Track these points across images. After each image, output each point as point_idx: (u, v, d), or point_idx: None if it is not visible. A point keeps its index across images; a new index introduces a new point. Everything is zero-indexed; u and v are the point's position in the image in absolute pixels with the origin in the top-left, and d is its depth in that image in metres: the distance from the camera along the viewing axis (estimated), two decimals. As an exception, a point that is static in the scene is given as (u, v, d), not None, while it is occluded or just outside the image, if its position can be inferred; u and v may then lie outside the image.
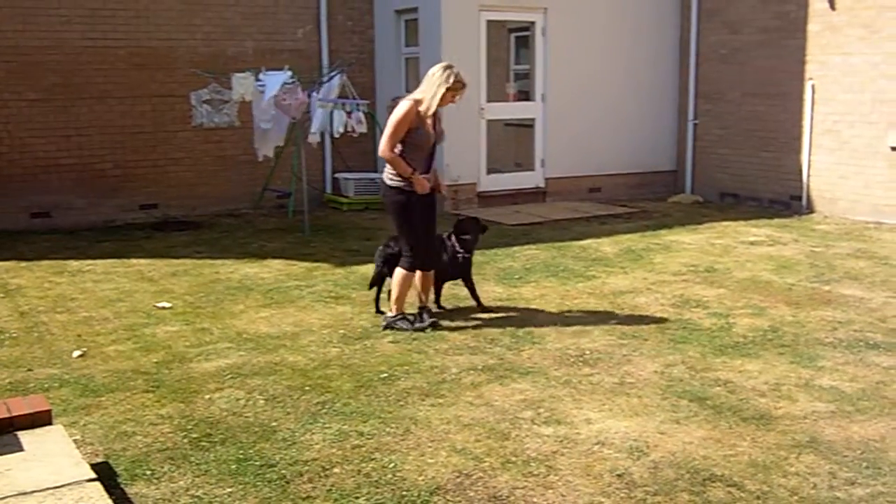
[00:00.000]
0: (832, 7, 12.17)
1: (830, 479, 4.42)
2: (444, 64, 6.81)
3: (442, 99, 6.68)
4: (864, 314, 7.36)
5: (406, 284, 6.98)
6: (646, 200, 13.66)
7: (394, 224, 7.04)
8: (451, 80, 6.65)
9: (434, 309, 7.40)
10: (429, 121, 6.76)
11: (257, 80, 10.96)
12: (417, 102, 6.71)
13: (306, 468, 4.57)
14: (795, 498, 4.22)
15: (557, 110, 13.19)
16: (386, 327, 6.95)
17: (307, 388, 5.71)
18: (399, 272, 6.96)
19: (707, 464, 4.57)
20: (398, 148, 6.75)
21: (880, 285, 8.33)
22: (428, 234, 7.03)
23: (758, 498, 4.22)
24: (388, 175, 6.91)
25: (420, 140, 6.76)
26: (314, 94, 11.21)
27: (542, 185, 13.41)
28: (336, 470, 4.55)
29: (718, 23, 13.69)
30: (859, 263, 9.26)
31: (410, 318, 7.00)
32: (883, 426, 5.08)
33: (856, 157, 12.12)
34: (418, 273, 7.02)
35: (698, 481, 4.38)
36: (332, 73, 11.83)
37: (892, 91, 11.62)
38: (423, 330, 6.88)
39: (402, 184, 6.80)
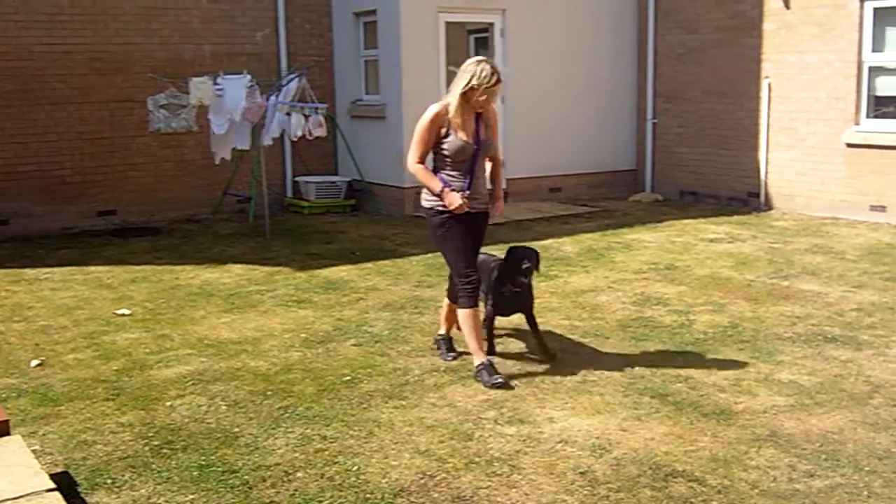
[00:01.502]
0: (787, 6, 12.33)
1: (790, 471, 4.47)
2: (476, 58, 5.76)
3: (469, 100, 5.67)
4: (821, 308, 7.45)
5: (474, 323, 5.90)
6: (607, 200, 13.74)
7: (440, 252, 6.14)
8: (479, 78, 5.60)
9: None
10: (467, 126, 5.74)
11: (215, 84, 10.89)
12: (448, 106, 5.74)
13: (269, 473, 4.54)
14: (756, 491, 4.27)
15: (517, 111, 13.23)
16: (474, 377, 5.87)
17: (269, 392, 5.68)
18: (462, 313, 5.91)
19: (669, 459, 4.60)
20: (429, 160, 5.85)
21: (837, 280, 8.44)
22: (469, 259, 5.93)
23: (719, 492, 4.26)
24: (423, 194, 5.95)
25: (452, 150, 5.72)
26: (272, 97, 11.16)
27: (503, 185, 13.40)
28: (299, 474, 4.53)
29: (675, 23, 13.81)
30: (817, 259, 9.38)
31: (491, 367, 5.86)
32: (841, 418, 5.15)
33: (812, 153, 12.28)
34: (445, 302, 6.32)
35: (660, 477, 4.42)
36: (291, 77, 11.78)
37: (846, 88, 11.78)
38: (500, 383, 5.71)
39: (436, 203, 5.82)
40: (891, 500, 4.17)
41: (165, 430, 5.09)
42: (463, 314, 5.90)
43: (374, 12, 12.74)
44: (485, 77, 5.60)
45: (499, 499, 4.24)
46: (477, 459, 4.65)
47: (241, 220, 12.26)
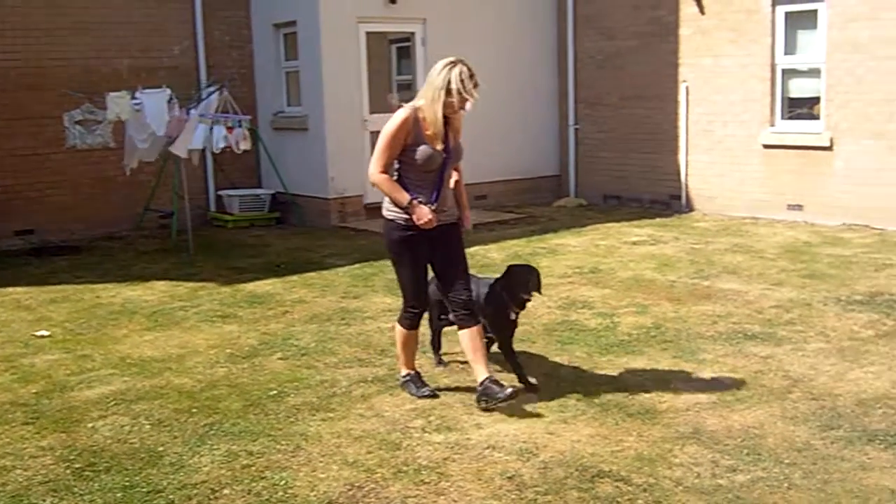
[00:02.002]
0: (702, 11, 12.58)
1: (713, 467, 4.55)
2: (447, 60, 5.33)
3: (447, 106, 5.28)
4: (741, 307, 7.60)
5: (405, 340, 5.72)
6: (532, 205, 13.84)
7: (393, 268, 5.68)
8: (457, 82, 5.22)
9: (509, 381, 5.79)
10: (437, 133, 5.34)
11: (133, 99, 10.72)
12: (417, 111, 5.34)
13: (195, 492, 4.47)
14: (680, 488, 4.33)
15: (441, 120, 13.23)
16: (401, 385, 5.80)
17: (194, 410, 5.59)
18: (398, 329, 5.74)
19: (595, 460, 4.64)
20: (394, 171, 5.44)
21: (757, 278, 8.62)
22: (445, 279, 5.56)
23: (644, 490, 4.31)
24: (385, 205, 5.53)
25: (422, 160, 5.32)
26: (192, 110, 11.02)
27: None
28: (226, 491, 4.46)
29: (594, 29, 13.99)
30: (737, 258, 9.57)
31: (417, 378, 5.78)
32: (762, 413, 5.25)
33: (730, 155, 12.54)
34: (467, 333, 5.47)
35: (587, 478, 4.45)
36: (211, 90, 11.66)
37: (761, 91, 12.06)
38: (430, 395, 5.63)
39: (399, 215, 5.41)
40: (810, 491, 4.27)
41: (87, 452, 4.98)
42: (398, 330, 5.74)
43: (293, 23, 12.68)
44: (463, 80, 5.24)
45: (427, 507, 4.24)
46: (405, 468, 4.64)
47: (163, 236, 12.07)
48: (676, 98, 13.01)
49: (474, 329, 5.45)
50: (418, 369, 5.87)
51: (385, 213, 5.54)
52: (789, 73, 12.01)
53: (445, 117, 5.35)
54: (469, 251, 10.03)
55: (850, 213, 11.32)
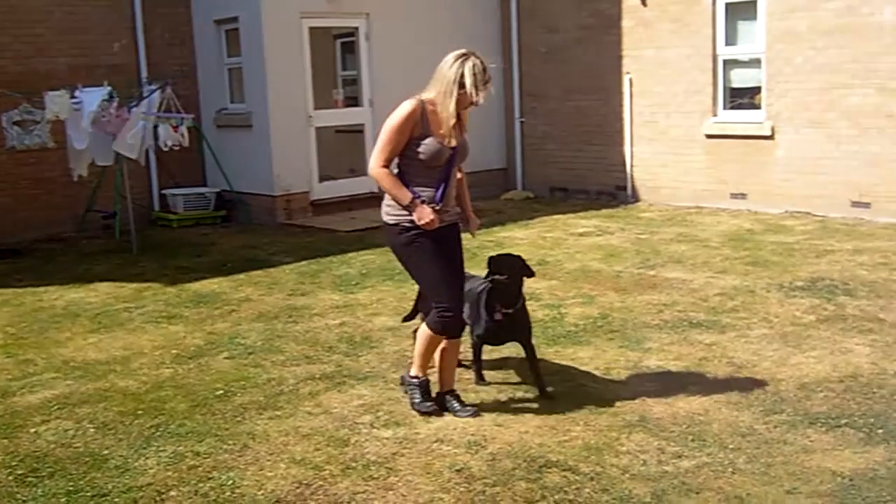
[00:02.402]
0: (643, 3, 12.68)
1: (659, 454, 4.59)
2: (459, 52, 5.02)
3: (459, 101, 4.98)
4: (686, 295, 7.68)
5: (430, 347, 5.24)
6: (479, 199, 13.75)
7: (410, 275, 5.35)
8: (470, 77, 4.92)
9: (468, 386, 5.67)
10: (445, 128, 5.03)
11: (73, 97, 10.54)
12: (425, 103, 5.06)
13: (141, 494, 4.42)
14: (627, 475, 4.37)
15: (386, 115, 13.13)
16: (401, 384, 5.53)
17: (140, 412, 5.52)
18: (424, 331, 5.23)
19: (543, 451, 4.67)
20: (395, 165, 5.10)
21: (701, 266, 8.72)
22: (449, 284, 5.15)
23: (591, 479, 4.34)
24: (385, 208, 5.17)
25: (428, 154, 4.99)
26: (133, 109, 10.86)
27: (375, 189, 13.33)
28: (172, 493, 4.42)
29: (538, 22, 14.04)
30: (681, 247, 9.67)
31: (427, 388, 5.32)
32: (706, 400, 5.31)
33: (674, 146, 12.66)
34: (440, 346, 5.28)
35: (535, 468, 4.48)
36: (153, 88, 11.49)
37: (703, 81, 12.19)
38: (429, 411, 5.22)
39: (403, 217, 5.05)
40: (754, 475, 4.33)
41: (30, 458, 4.90)
42: (426, 332, 5.18)
43: (235, 20, 12.55)
44: (476, 74, 4.92)
45: (376, 502, 4.23)
46: (353, 465, 4.63)
47: (107, 237, 11.87)
48: (620, 90, 13.11)
49: (430, 334, 5.15)
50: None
51: (386, 217, 5.14)
52: (731, 64, 12.16)
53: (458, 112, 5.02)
54: (417, 246, 10.13)
55: (791, 200, 11.49)
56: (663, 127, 12.75)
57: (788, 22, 11.28)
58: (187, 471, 4.65)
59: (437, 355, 5.31)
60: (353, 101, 13.73)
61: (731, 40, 12.05)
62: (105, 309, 8.10)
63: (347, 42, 14.18)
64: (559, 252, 9.70)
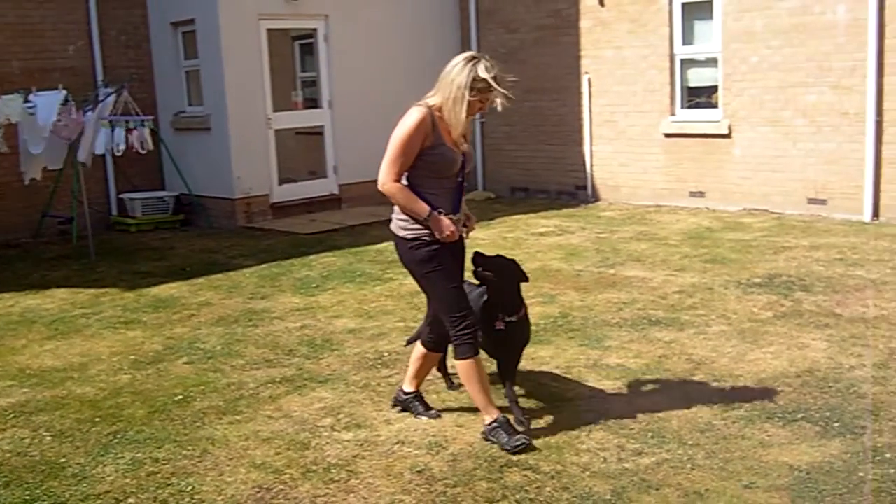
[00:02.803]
0: (601, 3, 12.75)
1: (619, 451, 4.62)
2: (467, 55, 4.75)
3: (470, 106, 4.68)
4: (646, 293, 7.73)
5: (480, 377, 4.83)
6: (440, 200, 13.85)
7: (425, 293, 5.01)
8: (479, 79, 4.62)
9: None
10: (457, 134, 4.76)
11: (26, 101, 10.40)
12: (434, 110, 4.77)
13: (99, 502, 4.37)
14: (587, 473, 4.39)
15: (346, 116, 13.20)
16: (485, 439, 4.85)
17: (97, 419, 5.46)
18: (462, 366, 4.83)
19: (503, 451, 4.67)
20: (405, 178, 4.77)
21: (660, 265, 8.78)
22: (466, 298, 4.93)
23: (552, 478, 4.35)
24: (399, 222, 4.84)
25: (441, 163, 4.72)
26: (89, 112, 10.74)
27: (336, 191, 13.38)
28: (131, 500, 4.37)
29: (496, 23, 14.07)
30: (641, 246, 9.73)
31: (507, 424, 4.83)
32: (665, 397, 5.35)
33: (633, 145, 12.75)
34: (416, 351, 5.20)
35: (496, 468, 4.48)
36: (109, 91, 11.37)
37: (661, 81, 12.29)
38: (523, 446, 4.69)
39: (421, 232, 4.76)
40: (712, 470, 4.36)
41: (-15, 468, 4.83)
42: (465, 366, 4.80)
43: (192, 21, 12.44)
44: (487, 79, 4.63)
45: (337, 505, 4.22)
46: (314, 468, 4.61)
47: (64, 243, 11.72)
48: (579, 90, 13.17)
49: (469, 362, 4.81)
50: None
51: (402, 232, 4.80)
52: (688, 63, 12.27)
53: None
54: (378, 248, 10.16)
55: (749, 198, 11.61)
56: (622, 126, 12.83)
57: (744, 21, 11.40)
58: (146, 477, 4.60)
59: (414, 356, 5.19)
60: (312, 102, 13.68)
61: (688, 40, 12.16)
62: (62, 315, 8.00)
63: (306, 44, 14.11)
64: (520, 252, 9.71)
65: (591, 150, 13.21)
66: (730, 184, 11.80)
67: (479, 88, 4.63)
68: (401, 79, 13.79)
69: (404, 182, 4.73)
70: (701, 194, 12.10)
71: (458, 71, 4.66)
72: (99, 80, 12.24)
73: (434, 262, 4.76)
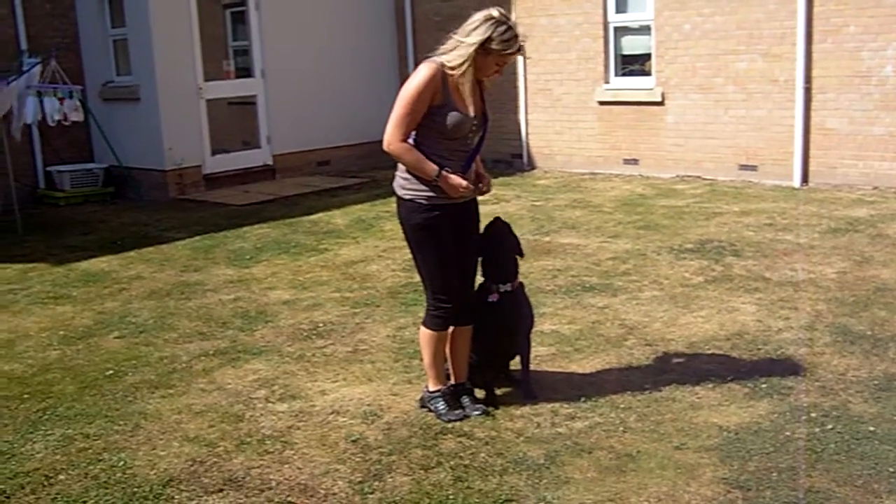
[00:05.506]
0: (534, -29, 12.72)
1: (552, 416, 4.66)
2: (486, 13, 4.41)
3: (483, 66, 4.46)
4: (580, 260, 7.79)
5: (437, 349, 4.80)
6: (375, 169, 13.73)
7: (413, 256, 4.80)
8: (499, 42, 4.36)
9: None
10: (467, 95, 4.48)
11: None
12: (443, 67, 4.46)
13: (28, 479, 4.29)
14: (521, 438, 4.42)
15: (279, 85, 13.03)
16: (421, 406, 4.88)
17: (26, 396, 5.35)
18: (424, 333, 4.79)
19: (438, 419, 4.68)
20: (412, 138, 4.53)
21: (595, 232, 8.85)
22: (463, 271, 4.76)
23: (486, 444, 4.38)
24: (400, 180, 4.64)
25: (451, 124, 4.46)
26: (13, 83, 10.45)
27: (270, 162, 13.22)
28: (61, 477, 4.30)
29: (430, -10, 13.99)
30: (576, 213, 9.80)
31: (451, 396, 4.81)
32: (598, 362, 5.41)
33: (568, 113, 12.79)
34: (450, 333, 4.85)
35: (430, 436, 4.50)
36: (36, 61, 11.07)
37: (594, 49, 12.32)
38: (458, 420, 4.68)
39: (421, 193, 4.55)
40: (644, 432, 4.43)
41: None
42: (427, 334, 4.75)
43: (119, -11, 12.16)
44: (507, 41, 4.37)
45: (271, 476, 4.19)
46: (248, 440, 4.58)
47: (-11, 217, 11.45)
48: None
49: (432, 333, 4.75)
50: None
51: (401, 191, 4.61)
52: (621, 31, 12.31)
53: (479, 80, 4.55)
54: (312, 218, 10.08)
55: (682, 165, 11.75)
56: (557, 94, 12.86)
57: (675, -11, 11.48)
58: (76, 453, 4.53)
59: (447, 347, 4.87)
60: (244, 72, 13.47)
61: (621, 7, 12.20)
62: (-12, 291, 7.83)
63: (237, 12, 13.87)
64: (456, 221, 9.71)
65: (527, 119, 13.23)
66: (663, 151, 11.92)
67: (492, 50, 4.39)
68: (336, 48, 13.69)
69: (411, 142, 4.51)
70: (635, 161, 12.21)
71: (472, 29, 4.40)
72: (23, 50, 11.90)
73: (428, 231, 4.57)
